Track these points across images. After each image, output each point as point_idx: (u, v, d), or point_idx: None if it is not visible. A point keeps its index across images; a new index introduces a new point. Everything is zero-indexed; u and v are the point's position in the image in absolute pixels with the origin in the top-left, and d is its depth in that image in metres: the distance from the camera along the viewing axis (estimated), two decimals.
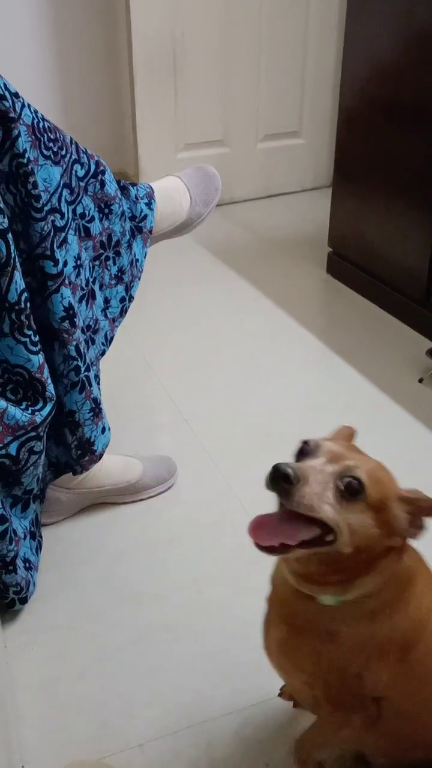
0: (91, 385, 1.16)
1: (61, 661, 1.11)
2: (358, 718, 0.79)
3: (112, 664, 1.11)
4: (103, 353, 1.27)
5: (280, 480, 0.65)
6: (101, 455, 1.24)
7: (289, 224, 2.85)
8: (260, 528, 0.68)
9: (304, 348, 2.00)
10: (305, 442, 0.71)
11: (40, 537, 1.27)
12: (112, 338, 1.28)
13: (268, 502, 1.43)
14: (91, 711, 1.04)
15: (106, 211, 1.17)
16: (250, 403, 1.75)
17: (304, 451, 0.71)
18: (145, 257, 1.30)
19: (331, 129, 3.00)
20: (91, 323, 1.21)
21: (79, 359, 1.11)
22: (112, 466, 1.36)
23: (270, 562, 1.28)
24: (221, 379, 1.85)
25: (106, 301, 1.23)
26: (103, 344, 1.26)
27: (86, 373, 1.14)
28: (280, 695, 1.04)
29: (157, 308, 2.23)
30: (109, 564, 1.29)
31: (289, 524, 0.67)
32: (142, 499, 1.42)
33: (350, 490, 0.66)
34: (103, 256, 1.19)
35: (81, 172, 1.10)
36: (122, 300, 1.26)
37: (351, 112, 2.17)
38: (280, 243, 2.69)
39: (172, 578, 1.26)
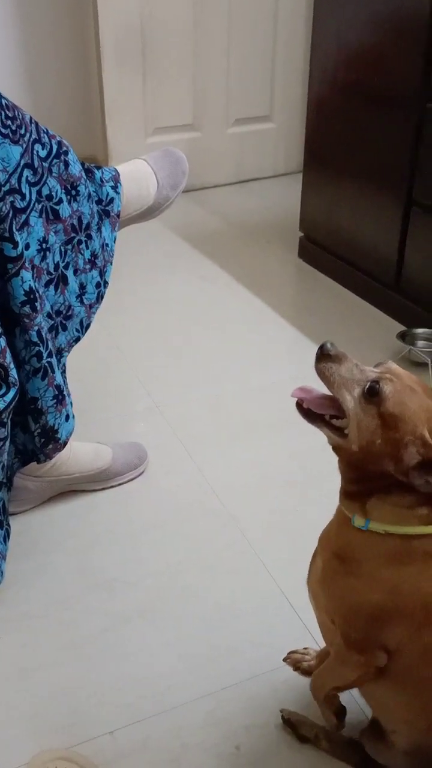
0: (53, 372, 1.13)
1: (32, 650, 1.10)
2: (361, 659, 0.80)
3: (83, 651, 1.10)
4: (77, 340, 1.25)
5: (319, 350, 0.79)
6: (65, 443, 1.22)
7: (260, 210, 2.84)
8: (303, 391, 0.81)
9: (277, 333, 1.99)
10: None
11: (8, 525, 1.25)
12: (88, 325, 1.26)
13: (242, 488, 1.43)
14: (62, 699, 1.03)
15: (74, 192, 1.15)
16: (223, 389, 1.74)
17: (375, 366, 0.81)
18: (114, 242, 1.28)
19: (302, 113, 2.98)
20: (62, 309, 1.19)
21: (40, 345, 1.09)
22: (81, 453, 1.35)
23: (241, 546, 1.28)
24: (194, 365, 1.84)
25: (82, 286, 1.21)
26: (77, 330, 1.24)
27: (48, 360, 1.12)
28: (285, 660, 1.07)
29: (129, 295, 2.21)
30: (81, 551, 1.28)
31: (326, 403, 0.80)
32: (112, 486, 1.40)
33: (370, 392, 0.75)
34: (75, 240, 1.17)
35: (43, 153, 1.07)
36: (97, 285, 1.24)
37: (321, 97, 2.15)
38: (252, 228, 2.68)
39: (144, 564, 1.25)
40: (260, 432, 1.59)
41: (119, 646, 1.11)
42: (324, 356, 0.79)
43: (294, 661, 1.07)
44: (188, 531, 1.32)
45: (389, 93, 1.88)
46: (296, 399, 0.81)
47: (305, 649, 1.08)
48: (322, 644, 1.09)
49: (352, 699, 0.99)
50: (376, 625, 0.79)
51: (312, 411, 0.80)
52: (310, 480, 1.44)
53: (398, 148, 1.87)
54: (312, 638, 1.11)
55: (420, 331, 1.88)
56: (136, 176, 1.28)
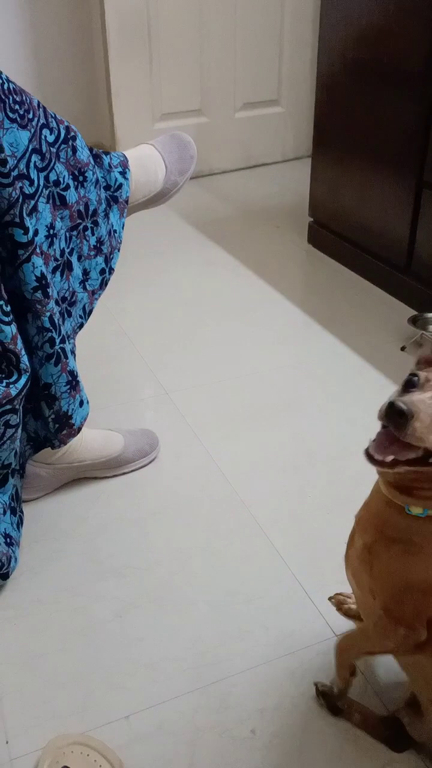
0: (66, 358, 1.13)
1: (44, 636, 1.11)
2: (404, 633, 0.81)
3: (95, 637, 1.10)
4: (80, 326, 1.24)
5: (395, 415, 0.69)
6: (80, 429, 1.22)
7: (269, 195, 2.82)
8: (377, 444, 0.72)
9: (286, 318, 1.98)
10: (413, 374, 0.74)
11: (21, 512, 1.25)
12: (90, 311, 1.25)
13: (251, 473, 1.43)
14: (75, 685, 1.04)
15: (81, 178, 1.14)
16: (232, 374, 1.74)
17: (411, 383, 0.73)
18: (123, 228, 1.27)
19: (310, 97, 2.95)
20: (67, 295, 1.18)
21: (53, 331, 1.09)
22: (92, 440, 1.35)
23: (252, 530, 1.28)
24: (202, 351, 1.83)
25: (85, 272, 1.21)
26: (80, 317, 1.23)
27: (61, 345, 1.12)
28: (330, 599, 1.12)
29: (136, 281, 2.21)
30: (92, 538, 1.28)
31: (399, 444, 0.71)
32: (124, 473, 1.40)
33: None
34: (81, 226, 1.16)
35: (51, 138, 1.07)
36: (102, 272, 1.24)
37: (329, 78, 2.13)
38: (261, 214, 2.66)
39: (155, 551, 1.25)
40: (269, 416, 1.58)
41: (131, 632, 1.11)
42: (405, 419, 0.68)
43: (338, 601, 1.11)
44: (199, 516, 1.32)
45: (399, 72, 1.85)
46: (381, 459, 0.71)
47: (349, 593, 1.11)
48: (334, 627, 1.10)
49: (391, 676, 0.99)
50: (426, 602, 0.79)
51: (398, 460, 0.71)
52: (320, 462, 1.44)
53: (409, 129, 1.85)
54: (324, 621, 1.11)
55: (431, 315, 1.86)
56: (144, 162, 1.27)
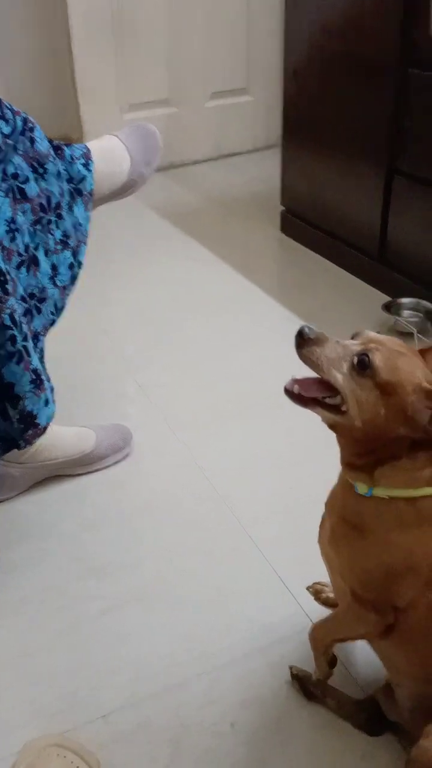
0: (29, 356, 1.11)
1: (28, 636, 1.09)
2: (374, 618, 0.82)
3: (79, 636, 1.09)
4: (52, 323, 1.22)
5: (299, 336, 0.78)
6: (45, 428, 1.20)
7: (241, 185, 2.80)
8: (295, 381, 0.80)
9: (261, 309, 1.97)
10: (355, 333, 0.81)
11: None
12: (62, 308, 1.23)
13: (230, 468, 1.41)
14: (58, 684, 1.02)
15: (41, 170, 1.12)
16: (209, 368, 1.72)
17: (353, 337, 0.80)
18: (88, 221, 1.25)
19: (280, 85, 2.93)
20: (35, 291, 1.16)
21: (14, 328, 1.06)
22: (64, 438, 1.33)
23: (232, 525, 1.27)
24: (178, 345, 1.82)
25: (54, 268, 1.18)
26: (52, 314, 1.21)
27: (24, 343, 1.09)
28: (308, 588, 1.12)
29: (110, 277, 2.18)
30: (74, 536, 1.26)
31: (319, 386, 0.79)
32: (98, 470, 1.39)
33: (360, 365, 0.75)
34: (44, 220, 1.14)
35: (7, 129, 1.04)
36: (71, 267, 1.21)
37: (297, 66, 2.11)
38: (234, 205, 2.64)
39: (137, 547, 1.24)
40: (248, 410, 1.57)
41: (114, 630, 1.10)
42: (304, 341, 0.78)
43: (316, 591, 1.11)
44: (179, 512, 1.31)
45: (368, 59, 1.84)
46: (286, 387, 0.80)
47: (327, 582, 1.10)
48: (313, 617, 1.09)
49: (370, 660, 0.99)
50: (387, 586, 0.80)
51: (303, 395, 0.79)
52: (299, 457, 1.43)
53: (379, 116, 1.84)
54: (304, 613, 1.10)
55: (405, 301, 1.86)
56: (108, 153, 1.24)
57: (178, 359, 1.76)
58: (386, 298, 1.90)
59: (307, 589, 1.12)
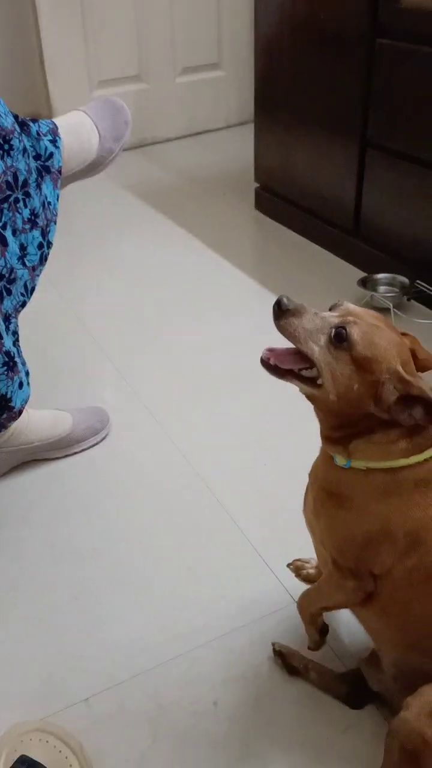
0: (1, 338, 1.09)
1: (2, 622, 1.08)
2: (353, 584, 0.83)
3: (54, 621, 1.08)
4: (23, 305, 1.20)
5: (276, 305, 0.78)
6: (20, 411, 1.18)
7: (215, 162, 2.77)
8: (270, 351, 0.80)
9: (237, 287, 1.95)
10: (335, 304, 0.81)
11: None
12: (33, 288, 1.20)
13: (208, 446, 1.40)
14: (34, 671, 1.01)
15: (6, 147, 1.08)
16: (185, 347, 1.71)
17: (331, 309, 0.80)
18: (57, 200, 1.22)
19: (252, 60, 2.89)
20: (4, 272, 1.13)
21: None
22: (40, 421, 1.31)
23: (209, 503, 1.26)
24: (153, 324, 1.80)
25: (23, 248, 1.16)
26: (22, 295, 1.19)
27: None
28: (289, 565, 1.12)
29: (83, 257, 2.15)
30: (48, 521, 1.25)
31: (295, 357, 0.78)
32: (75, 453, 1.37)
33: (337, 338, 0.75)
34: (11, 198, 1.11)
35: None
36: (40, 246, 1.19)
37: (268, 40, 2.08)
38: (207, 182, 2.61)
39: (113, 530, 1.23)
40: (224, 388, 1.56)
41: (91, 614, 1.09)
42: (282, 312, 0.78)
43: (297, 567, 1.11)
44: (156, 493, 1.30)
45: (338, 31, 1.82)
46: (262, 357, 0.79)
47: (308, 558, 1.12)
48: (294, 593, 1.09)
49: (352, 632, 1.00)
50: (366, 554, 0.81)
51: (279, 367, 0.79)
52: (276, 432, 1.43)
53: (350, 88, 1.82)
54: (284, 588, 1.10)
55: (381, 276, 1.85)
56: (76, 129, 1.21)
57: (153, 339, 1.74)
58: (362, 274, 1.89)
59: (288, 566, 1.12)
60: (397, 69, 1.69)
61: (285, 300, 0.78)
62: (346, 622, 1.02)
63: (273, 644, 1.01)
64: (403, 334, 0.81)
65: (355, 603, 0.85)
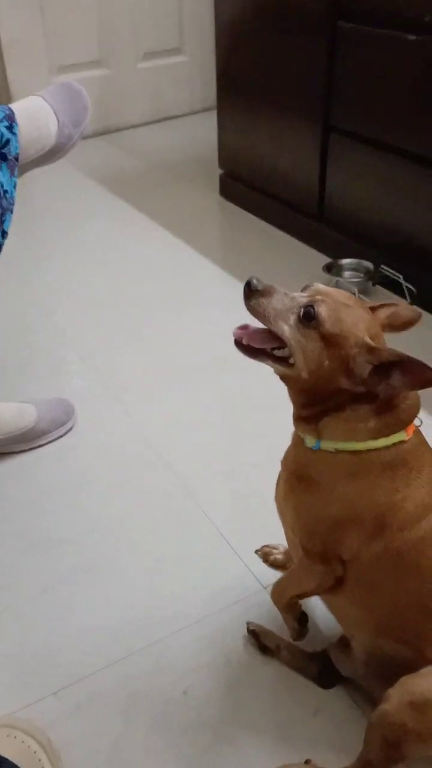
0: None
1: None
2: (322, 569, 0.83)
3: (23, 613, 1.07)
4: None
5: (247, 287, 0.79)
6: None
7: (179, 148, 2.75)
8: (239, 329, 0.81)
9: (203, 274, 1.94)
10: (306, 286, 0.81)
11: None
12: None
13: (176, 434, 1.40)
14: (5, 664, 1.00)
15: None
16: (150, 334, 1.70)
17: (303, 290, 0.81)
18: (14, 188, 1.19)
19: (214, 44, 2.86)
20: None
21: None
22: (3, 414, 1.29)
23: (177, 491, 1.25)
24: (119, 313, 1.78)
25: None
26: None
27: None
28: (257, 552, 1.13)
29: (46, 246, 2.12)
30: (17, 514, 1.23)
31: (267, 337, 0.79)
32: (41, 445, 1.35)
33: (306, 317, 0.75)
34: None
35: None
36: None
37: (229, 23, 2.06)
38: (172, 169, 2.59)
39: (82, 521, 1.22)
40: (192, 375, 1.55)
41: (60, 605, 1.08)
42: (252, 292, 0.79)
43: (265, 553, 1.12)
44: (124, 483, 1.29)
45: (298, 14, 1.80)
46: (235, 337, 0.80)
47: (276, 544, 1.12)
48: (262, 579, 1.10)
49: (321, 617, 1.00)
50: (333, 537, 0.81)
51: (252, 347, 0.80)
52: (243, 419, 1.43)
53: (311, 72, 1.81)
54: (252, 575, 1.11)
55: (346, 261, 1.86)
56: (34, 114, 1.18)
57: (119, 328, 1.73)
58: (327, 259, 1.90)
59: (256, 552, 1.13)
60: (358, 52, 1.68)
61: (255, 281, 0.79)
62: (319, 606, 1.03)
63: (247, 624, 1.02)
64: (380, 306, 0.81)
65: (326, 588, 0.86)
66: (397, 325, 0.81)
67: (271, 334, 0.79)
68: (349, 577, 0.83)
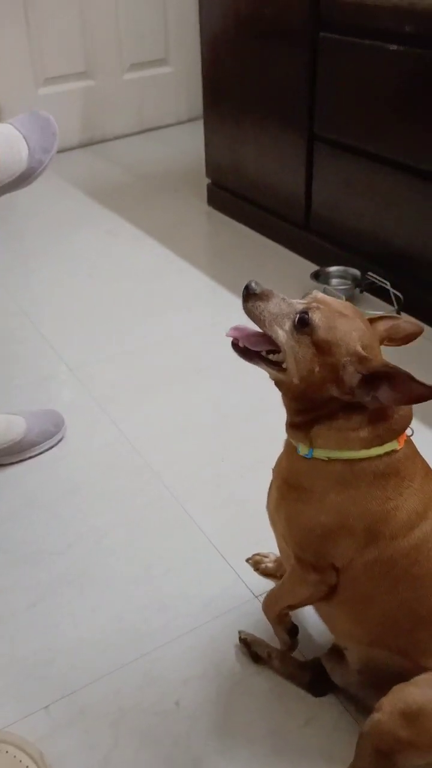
0: None
1: None
2: (315, 578, 0.83)
3: (9, 628, 1.06)
4: None
5: (246, 289, 0.80)
6: None
7: (166, 159, 2.76)
8: (237, 330, 0.82)
9: (191, 283, 1.94)
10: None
11: None
12: None
13: (163, 443, 1.39)
14: None
15: None
16: (138, 344, 1.70)
17: (303, 297, 0.81)
18: None
19: (199, 55, 2.88)
20: None
21: None
22: None
23: (166, 500, 1.25)
24: (106, 324, 1.78)
25: None
26: None
27: None
28: (248, 560, 1.13)
29: (34, 257, 2.12)
30: (2, 526, 1.23)
31: (262, 340, 0.80)
32: (30, 457, 1.35)
33: (300, 323, 0.76)
34: None
35: None
36: None
37: (214, 35, 2.07)
38: (159, 179, 2.60)
39: (69, 532, 1.21)
40: (177, 384, 1.55)
41: (47, 618, 1.07)
42: (250, 296, 0.80)
43: (255, 562, 1.12)
44: (111, 492, 1.29)
45: (281, 25, 1.82)
46: (231, 339, 0.81)
47: (267, 552, 1.12)
48: (253, 588, 1.09)
49: (312, 626, 1.00)
50: (326, 546, 0.81)
51: (248, 349, 0.80)
52: (233, 427, 1.43)
53: (295, 82, 1.83)
54: (243, 584, 1.10)
55: (333, 269, 1.86)
56: (4, 141, 1.18)
57: (106, 338, 1.72)
58: (314, 267, 1.90)
59: (247, 560, 1.13)
60: (340, 62, 1.70)
61: (253, 284, 0.80)
62: (312, 615, 1.03)
63: (239, 632, 1.02)
64: (381, 318, 0.82)
65: (319, 597, 0.85)
66: (398, 339, 0.81)
67: (266, 338, 0.80)
68: (341, 586, 0.83)
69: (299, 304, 0.79)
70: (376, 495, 0.78)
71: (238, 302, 0.81)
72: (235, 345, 0.81)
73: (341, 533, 0.80)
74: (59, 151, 1.23)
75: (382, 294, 1.78)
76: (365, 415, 0.77)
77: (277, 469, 0.88)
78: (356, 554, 0.80)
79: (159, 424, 1.45)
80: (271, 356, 0.80)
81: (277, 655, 0.98)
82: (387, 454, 0.78)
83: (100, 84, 2.77)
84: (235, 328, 0.82)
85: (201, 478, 1.31)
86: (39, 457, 1.36)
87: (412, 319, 0.84)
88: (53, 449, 1.38)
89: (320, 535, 0.81)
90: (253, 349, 0.80)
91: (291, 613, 0.96)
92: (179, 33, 2.84)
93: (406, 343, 0.82)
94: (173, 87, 2.94)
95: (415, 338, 0.82)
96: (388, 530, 0.78)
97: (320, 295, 0.80)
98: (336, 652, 0.93)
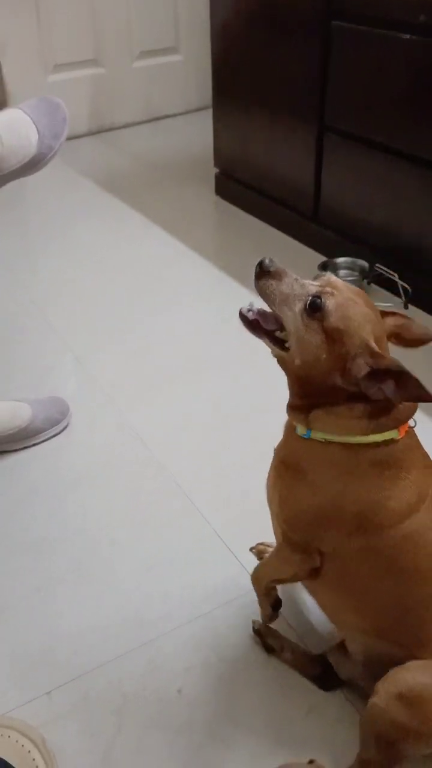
0: None
1: None
2: (299, 559, 0.84)
3: (14, 614, 1.07)
4: None
5: (258, 266, 0.78)
6: None
7: (174, 148, 2.74)
8: (252, 310, 0.80)
9: (198, 273, 1.94)
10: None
11: None
12: None
13: (169, 434, 1.40)
14: None
15: None
16: (145, 335, 1.69)
17: (315, 278, 0.79)
18: None
19: (209, 44, 2.86)
20: None
21: None
22: None
23: (172, 490, 1.25)
24: (114, 313, 1.78)
25: None
26: None
27: None
28: (251, 550, 1.13)
29: (42, 246, 2.11)
30: (7, 513, 1.23)
31: (272, 318, 0.79)
32: (35, 444, 1.35)
33: (312, 307, 0.74)
34: None
35: None
36: None
37: (225, 23, 2.06)
38: (167, 168, 2.59)
39: (73, 520, 1.22)
40: (184, 375, 1.55)
41: (51, 605, 1.08)
42: (263, 273, 0.78)
43: (259, 551, 1.12)
44: (117, 482, 1.29)
45: (293, 14, 1.80)
46: (241, 311, 0.79)
47: (270, 542, 1.11)
48: None
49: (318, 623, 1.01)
50: (313, 529, 0.81)
51: (257, 321, 0.79)
52: (240, 419, 1.42)
53: (306, 71, 1.81)
54: (247, 574, 1.10)
55: (341, 260, 1.86)
56: (14, 126, 1.18)
57: (113, 326, 1.72)
58: (321, 258, 1.90)
59: (251, 550, 1.13)
60: (351, 52, 1.68)
61: (267, 261, 0.78)
62: (318, 612, 1.03)
63: (253, 622, 1.02)
64: (392, 313, 0.80)
65: (303, 577, 0.86)
66: (406, 340, 0.80)
67: (275, 317, 0.79)
68: (329, 571, 0.83)
69: (312, 286, 0.77)
70: (371, 483, 0.78)
71: (245, 292, 0.80)
72: (243, 316, 0.80)
73: (331, 517, 0.80)
74: (67, 139, 1.22)
75: (389, 286, 1.77)
76: (369, 406, 0.76)
77: (277, 448, 0.88)
78: (344, 540, 0.79)
79: (165, 414, 1.45)
80: (277, 333, 0.78)
81: (289, 647, 0.99)
82: (386, 443, 0.77)
83: (110, 72, 2.75)
84: (249, 305, 0.81)
85: (207, 469, 1.31)
86: (44, 444, 1.36)
87: (422, 324, 0.81)
88: (58, 437, 1.38)
89: (310, 517, 0.81)
90: (264, 326, 0.79)
91: (296, 610, 0.96)
92: (190, 21, 2.82)
93: (413, 346, 0.80)
94: (183, 75, 2.92)
95: (423, 344, 0.80)
96: (377, 519, 0.78)
97: (333, 278, 0.78)
98: (342, 646, 0.93)
